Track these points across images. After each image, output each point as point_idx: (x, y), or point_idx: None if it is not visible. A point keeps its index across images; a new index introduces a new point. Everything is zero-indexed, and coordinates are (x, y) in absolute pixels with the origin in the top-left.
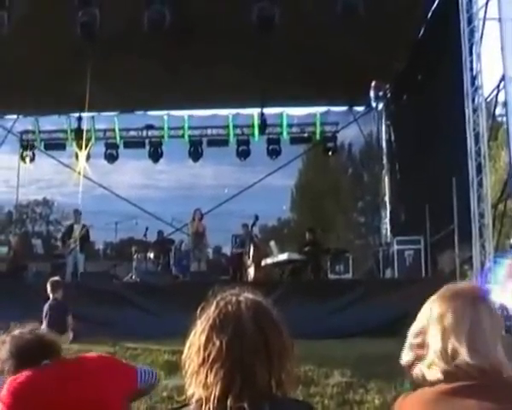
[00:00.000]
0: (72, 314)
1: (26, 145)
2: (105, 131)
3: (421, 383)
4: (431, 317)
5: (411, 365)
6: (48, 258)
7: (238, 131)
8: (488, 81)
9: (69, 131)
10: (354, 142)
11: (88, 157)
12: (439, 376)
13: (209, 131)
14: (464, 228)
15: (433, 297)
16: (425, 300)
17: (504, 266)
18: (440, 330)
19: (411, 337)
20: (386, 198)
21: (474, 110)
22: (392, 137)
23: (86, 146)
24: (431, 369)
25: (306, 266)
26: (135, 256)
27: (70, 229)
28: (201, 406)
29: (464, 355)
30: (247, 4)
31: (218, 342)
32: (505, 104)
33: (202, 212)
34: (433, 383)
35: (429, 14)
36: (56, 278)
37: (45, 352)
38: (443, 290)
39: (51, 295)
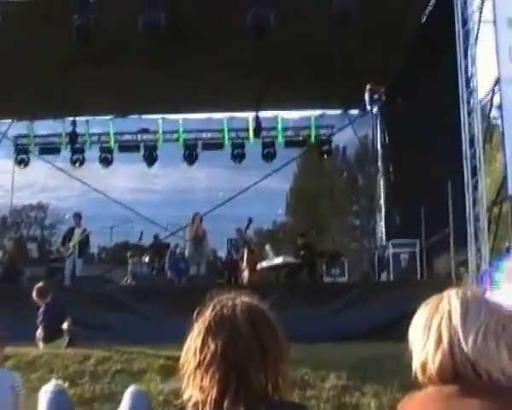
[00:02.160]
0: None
1: (21, 149)
2: (100, 135)
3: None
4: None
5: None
6: (43, 262)
7: (233, 134)
8: (483, 84)
9: (63, 136)
10: (349, 145)
11: (82, 161)
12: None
13: (204, 135)
14: (460, 231)
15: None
16: (420, 303)
17: (502, 269)
18: (422, 339)
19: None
20: (382, 201)
21: (469, 113)
22: (387, 140)
23: (80, 150)
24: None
25: (302, 269)
26: (130, 260)
27: (71, 232)
28: (198, 409)
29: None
30: (242, 8)
31: (213, 346)
32: (500, 107)
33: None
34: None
35: (424, 18)
36: (41, 284)
37: None
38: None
39: (41, 302)
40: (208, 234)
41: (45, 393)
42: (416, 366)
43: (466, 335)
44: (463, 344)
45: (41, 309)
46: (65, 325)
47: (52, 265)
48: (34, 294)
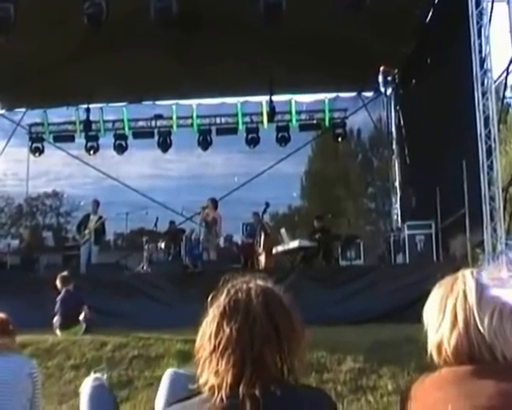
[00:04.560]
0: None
1: (35, 138)
2: (114, 122)
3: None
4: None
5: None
6: (59, 250)
7: (247, 119)
8: (497, 64)
9: (78, 123)
10: (363, 127)
11: (97, 148)
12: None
13: (218, 120)
14: (475, 212)
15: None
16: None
17: None
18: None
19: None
20: (397, 183)
21: (484, 93)
22: (402, 122)
23: (95, 138)
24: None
25: (317, 252)
26: (146, 247)
27: (86, 219)
28: (214, 393)
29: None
30: None
31: (228, 330)
32: None
33: (215, 200)
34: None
35: None
36: (65, 273)
37: None
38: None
39: (62, 290)
40: (223, 220)
41: (85, 389)
42: (431, 347)
43: (481, 315)
44: (479, 325)
45: (60, 295)
46: (82, 313)
47: (68, 252)
48: (58, 282)
